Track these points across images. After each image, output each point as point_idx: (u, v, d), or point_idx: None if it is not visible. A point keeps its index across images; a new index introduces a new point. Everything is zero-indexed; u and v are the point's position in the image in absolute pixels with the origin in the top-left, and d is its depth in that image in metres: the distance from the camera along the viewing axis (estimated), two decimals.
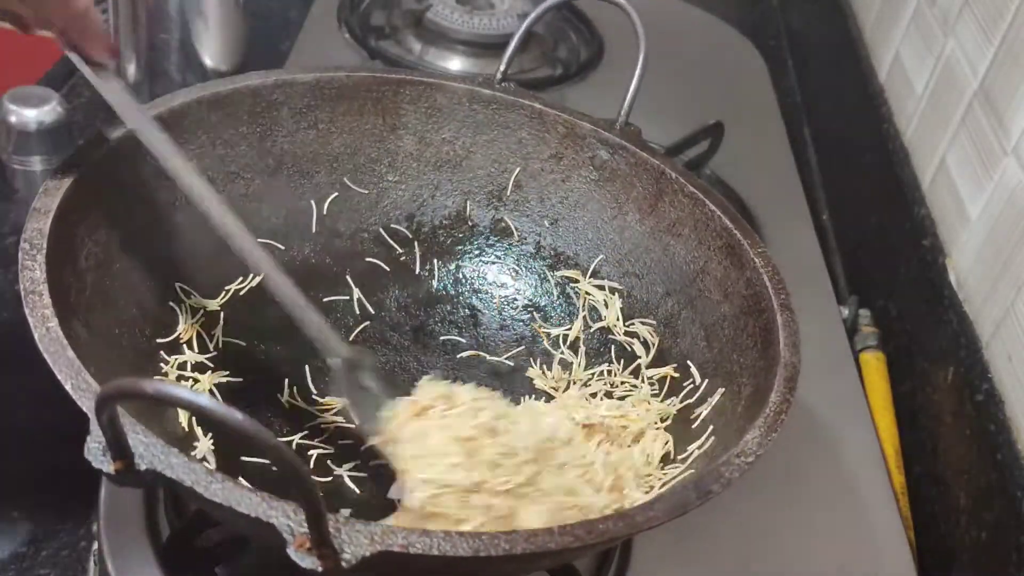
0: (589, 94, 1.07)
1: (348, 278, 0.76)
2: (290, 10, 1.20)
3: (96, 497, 0.64)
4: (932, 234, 0.91)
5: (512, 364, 0.74)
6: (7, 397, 0.74)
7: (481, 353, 0.75)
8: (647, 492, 0.61)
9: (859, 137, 1.12)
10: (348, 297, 0.76)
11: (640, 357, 0.71)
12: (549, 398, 0.71)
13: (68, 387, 0.48)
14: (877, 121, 1.07)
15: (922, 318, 0.90)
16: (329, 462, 0.65)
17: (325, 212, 0.76)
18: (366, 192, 0.77)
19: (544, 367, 0.74)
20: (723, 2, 1.36)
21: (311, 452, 0.65)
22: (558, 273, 0.77)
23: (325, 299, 0.75)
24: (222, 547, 0.62)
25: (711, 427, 0.63)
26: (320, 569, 0.42)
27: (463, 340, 0.75)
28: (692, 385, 0.67)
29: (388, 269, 0.77)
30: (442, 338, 0.75)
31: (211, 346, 0.68)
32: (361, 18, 1.19)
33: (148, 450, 0.45)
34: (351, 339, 0.74)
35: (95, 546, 0.64)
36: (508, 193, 0.78)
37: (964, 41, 0.93)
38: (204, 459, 0.62)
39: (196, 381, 0.66)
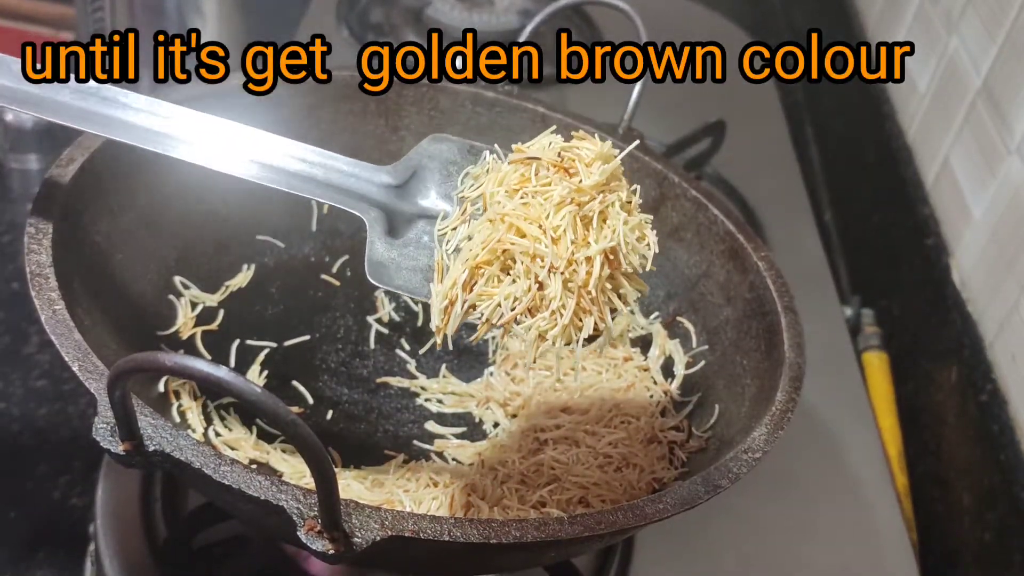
0: (590, 93, 1.06)
1: (348, 277, 0.76)
2: (289, 8, 1.19)
3: (93, 498, 0.63)
4: (935, 233, 0.91)
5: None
6: (4, 396, 0.73)
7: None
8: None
9: (862, 136, 1.11)
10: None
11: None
12: None
13: (76, 368, 0.48)
14: (880, 119, 1.06)
15: (925, 318, 0.90)
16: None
17: (326, 211, 0.75)
18: None
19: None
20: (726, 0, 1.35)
21: None
22: None
23: (322, 296, 0.75)
24: (219, 548, 0.62)
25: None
26: (332, 552, 0.42)
27: (464, 337, 0.75)
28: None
29: None
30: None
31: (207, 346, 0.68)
32: (360, 15, 1.19)
33: (157, 431, 0.45)
34: (350, 337, 0.73)
35: (92, 547, 0.64)
36: None
37: (967, 39, 0.93)
38: None
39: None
